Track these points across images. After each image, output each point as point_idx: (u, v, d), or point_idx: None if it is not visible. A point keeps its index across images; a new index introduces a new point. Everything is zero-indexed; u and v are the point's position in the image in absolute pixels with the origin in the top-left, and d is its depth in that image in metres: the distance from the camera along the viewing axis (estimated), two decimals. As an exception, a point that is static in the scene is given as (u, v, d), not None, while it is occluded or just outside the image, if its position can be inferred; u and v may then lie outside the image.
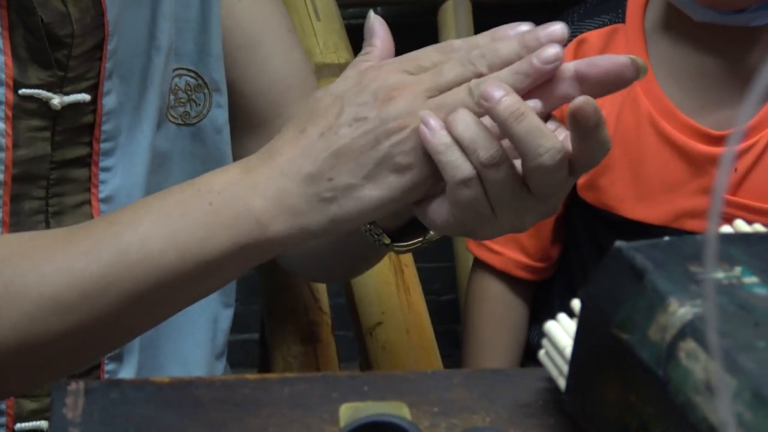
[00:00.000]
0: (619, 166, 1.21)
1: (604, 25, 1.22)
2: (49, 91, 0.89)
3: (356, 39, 1.57)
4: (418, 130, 0.74)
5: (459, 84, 0.76)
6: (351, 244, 0.95)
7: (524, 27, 0.77)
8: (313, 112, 0.77)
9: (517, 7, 1.77)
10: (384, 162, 0.75)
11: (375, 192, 0.75)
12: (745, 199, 1.18)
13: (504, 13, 1.73)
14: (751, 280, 0.62)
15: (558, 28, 0.76)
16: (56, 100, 0.89)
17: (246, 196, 0.76)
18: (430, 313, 1.24)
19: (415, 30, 1.79)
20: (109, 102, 0.92)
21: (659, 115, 1.18)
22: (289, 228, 0.76)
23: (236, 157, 1.04)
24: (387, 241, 0.89)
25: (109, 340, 0.82)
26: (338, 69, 1.48)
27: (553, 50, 0.73)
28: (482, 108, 0.73)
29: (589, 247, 1.30)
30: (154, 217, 0.77)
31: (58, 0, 0.87)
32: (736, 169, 1.17)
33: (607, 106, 1.20)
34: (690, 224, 1.19)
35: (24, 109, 0.88)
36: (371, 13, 0.85)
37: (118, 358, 0.95)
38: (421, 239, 0.89)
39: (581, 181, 1.22)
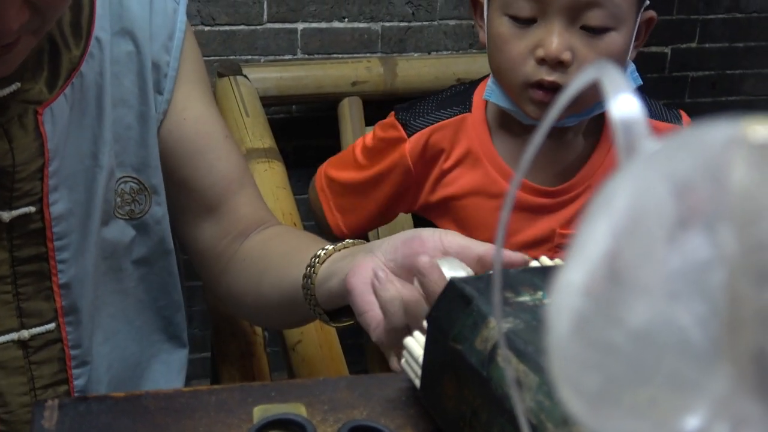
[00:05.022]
0: (475, 219, 1.21)
1: (456, 114, 1.21)
2: None
3: (277, 130, 1.58)
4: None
5: None
6: (298, 313, 0.90)
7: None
8: None
9: (396, 103, 1.78)
10: None
11: None
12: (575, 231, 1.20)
13: (385, 106, 1.75)
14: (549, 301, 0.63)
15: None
16: (5, 215, 0.85)
17: None
18: (340, 332, 1.23)
19: (321, 120, 1.80)
20: (57, 209, 0.87)
21: (503, 180, 1.19)
22: None
23: (192, 236, 1.02)
24: (326, 318, 0.86)
25: None
26: (263, 152, 1.48)
27: None
28: None
29: None
30: None
31: (4, 139, 0.83)
32: None
33: (460, 177, 1.20)
34: (529, 254, 1.21)
35: None
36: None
37: None
38: (352, 320, 0.85)
39: (451, 229, 1.23)
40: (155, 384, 1.03)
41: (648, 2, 1.12)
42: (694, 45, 2.00)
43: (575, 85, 0.36)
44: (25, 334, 0.88)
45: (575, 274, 0.24)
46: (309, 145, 1.82)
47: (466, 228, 1.21)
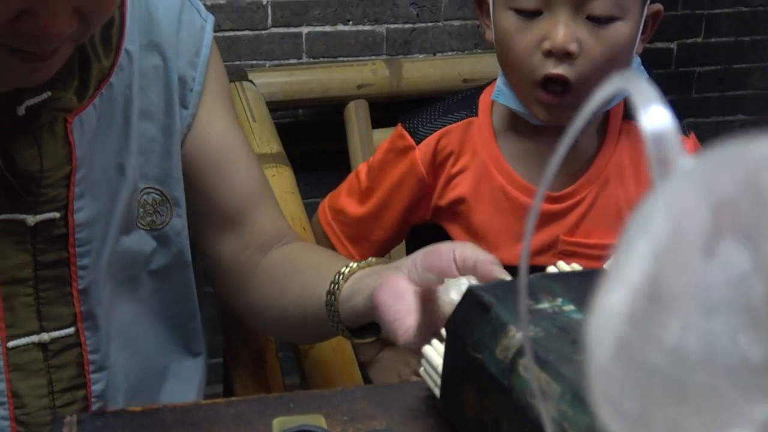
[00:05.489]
0: (480, 224, 1.20)
1: (462, 118, 1.20)
2: (23, 213, 0.85)
3: (284, 134, 1.57)
4: None
5: None
6: (320, 329, 0.91)
7: None
8: None
9: (402, 105, 1.78)
10: None
11: None
12: (579, 238, 1.18)
13: (391, 108, 1.75)
14: (569, 307, 0.62)
15: None
16: (30, 219, 0.85)
17: None
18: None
19: (327, 124, 1.80)
20: (81, 217, 0.88)
21: (508, 184, 1.18)
22: None
23: (213, 248, 1.02)
24: (349, 335, 0.86)
25: None
26: (271, 158, 1.48)
27: None
28: None
29: None
30: None
31: (33, 145, 0.84)
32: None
33: (466, 182, 1.19)
34: (533, 260, 1.19)
35: (3, 230, 0.85)
36: None
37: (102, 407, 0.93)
38: (376, 336, 0.86)
39: (456, 232, 1.22)
40: (172, 392, 1.03)
41: None
42: (699, 40, 2.00)
43: (600, 94, 0.36)
44: (45, 336, 0.89)
45: (616, 297, 0.24)
46: (316, 149, 1.82)
47: (474, 232, 1.21)
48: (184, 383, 1.05)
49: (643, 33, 1.12)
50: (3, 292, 0.86)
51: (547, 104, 1.09)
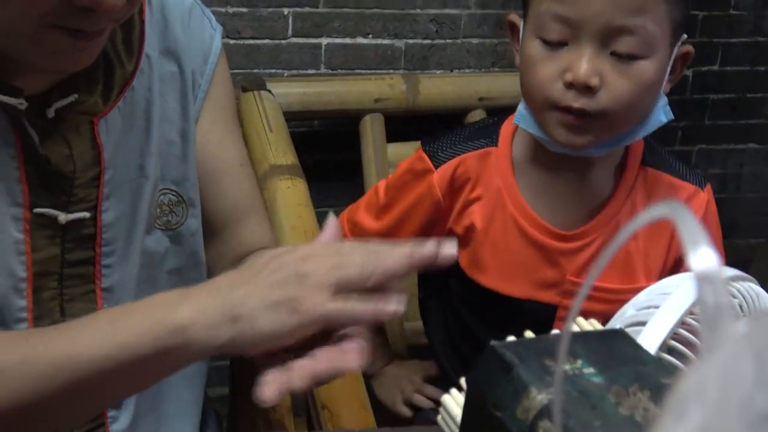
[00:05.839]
0: (489, 254, 1.21)
1: (481, 147, 1.21)
2: (56, 210, 0.87)
3: (299, 143, 1.59)
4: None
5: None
6: None
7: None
8: (254, 264, 0.76)
9: (419, 119, 1.79)
10: (283, 301, 0.71)
11: (267, 324, 0.71)
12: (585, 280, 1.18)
13: (408, 122, 1.77)
14: (589, 370, 0.63)
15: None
16: (62, 217, 0.88)
17: (173, 307, 0.73)
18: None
19: (342, 136, 1.81)
20: (107, 217, 0.91)
21: (521, 217, 1.18)
22: (204, 337, 0.72)
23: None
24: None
25: (62, 416, 0.77)
26: (286, 169, 1.49)
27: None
28: None
29: (462, 302, 1.30)
30: (102, 324, 0.74)
31: (65, 146, 0.86)
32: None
33: (480, 211, 1.20)
34: (538, 295, 1.20)
35: (38, 223, 0.87)
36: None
37: (117, 405, 0.95)
38: None
39: (466, 259, 1.23)
40: (176, 392, 1.05)
41: (685, 36, 1.10)
42: (715, 68, 2.01)
43: (644, 217, 0.37)
44: None
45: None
46: (330, 160, 1.83)
47: (483, 261, 1.22)
48: (188, 384, 1.07)
49: (671, 73, 1.11)
50: (33, 284, 0.88)
51: (568, 125, 1.08)
